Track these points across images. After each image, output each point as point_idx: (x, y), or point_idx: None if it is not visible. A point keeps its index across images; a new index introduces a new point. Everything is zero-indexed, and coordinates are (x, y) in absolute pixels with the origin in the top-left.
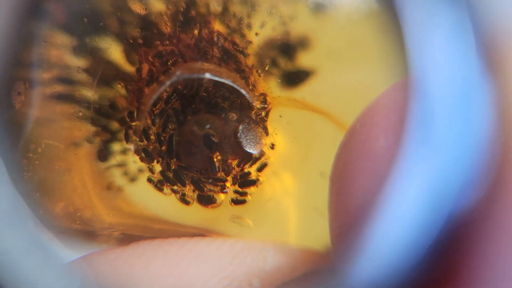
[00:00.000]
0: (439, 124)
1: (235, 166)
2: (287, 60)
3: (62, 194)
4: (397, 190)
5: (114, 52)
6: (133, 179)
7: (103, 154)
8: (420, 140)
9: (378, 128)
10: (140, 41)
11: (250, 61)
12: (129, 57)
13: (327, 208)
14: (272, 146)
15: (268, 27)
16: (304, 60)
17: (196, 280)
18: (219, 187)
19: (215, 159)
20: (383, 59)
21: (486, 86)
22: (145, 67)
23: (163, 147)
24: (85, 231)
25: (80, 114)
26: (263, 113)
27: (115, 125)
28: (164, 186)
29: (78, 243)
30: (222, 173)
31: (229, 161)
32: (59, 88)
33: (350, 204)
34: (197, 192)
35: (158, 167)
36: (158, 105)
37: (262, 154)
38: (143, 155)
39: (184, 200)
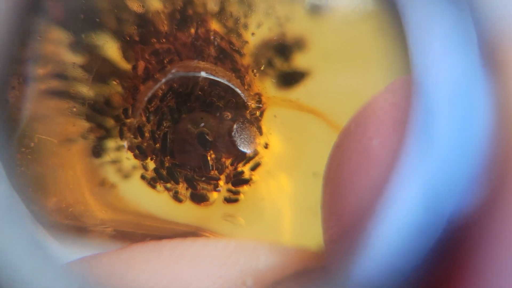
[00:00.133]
0: (439, 123)
1: (229, 165)
2: (283, 61)
3: (55, 189)
4: (397, 189)
5: (110, 48)
6: (126, 176)
7: (97, 151)
8: (420, 139)
9: (372, 129)
10: (137, 38)
11: (246, 60)
12: (126, 54)
13: (320, 208)
14: (266, 146)
15: (264, 28)
16: (299, 61)
17: (191, 281)
18: (212, 186)
19: (209, 158)
20: (379, 61)
21: (487, 85)
22: (141, 65)
23: (157, 145)
24: (77, 227)
25: (75, 110)
26: (258, 113)
27: (109, 121)
28: (158, 184)
29: (71, 239)
30: (216, 172)
31: (223, 159)
32: (54, 84)
33: (343, 204)
34: (190, 190)
35: (151, 165)
36: (153, 102)
37: (255, 153)
38: (137, 152)
39: (177, 197)
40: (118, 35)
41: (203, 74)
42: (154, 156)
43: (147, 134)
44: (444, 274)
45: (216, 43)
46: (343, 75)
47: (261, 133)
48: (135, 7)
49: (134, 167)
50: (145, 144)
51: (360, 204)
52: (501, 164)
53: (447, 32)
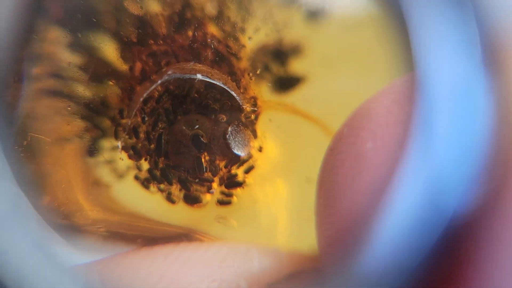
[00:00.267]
0: (440, 122)
1: (223, 167)
2: (279, 66)
3: (47, 188)
4: (398, 188)
5: (108, 49)
6: (120, 176)
7: (91, 150)
8: (421, 138)
9: (365, 132)
10: (135, 39)
11: (243, 64)
12: (123, 55)
13: (314, 211)
14: (260, 149)
15: (261, 33)
16: (296, 66)
17: (186, 285)
18: (205, 187)
19: (203, 160)
20: (375, 67)
21: (488, 85)
22: (138, 66)
23: (152, 146)
24: (69, 226)
25: (70, 109)
26: (253, 116)
27: (105, 121)
28: (151, 184)
29: (64, 238)
30: (209, 174)
31: (217, 162)
32: (50, 83)
33: (338, 207)
34: (183, 191)
35: (145, 165)
36: (149, 103)
37: (249, 156)
38: (132, 152)
39: (170, 199)
40: (116, 36)
41: (199, 76)
42: (148, 156)
43: (142, 135)
44: (445, 273)
45: (213, 46)
46: (338, 81)
47: (255, 136)
48: (134, 8)
49: (128, 168)
50: (139, 144)
51: (355, 207)
52: (502, 163)
53: (449, 32)
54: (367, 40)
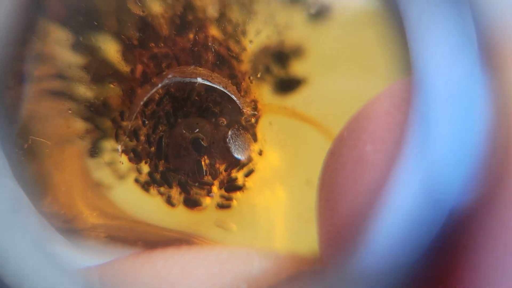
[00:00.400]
0: (438, 120)
1: (223, 171)
2: (280, 68)
3: (48, 192)
4: (396, 186)
5: (110, 51)
6: (121, 178)
7: (91, 153)
8: (419, 137)
9: (366, 134)
10: (136, 42)
11: (244, 67)
12: (124, 57)
13: (315, 214)
14: (260, 153)
15: (262, 35)
16: (296, 68)
17: None
18: (205, 191)
19: (203, 163)
20: (376, 69)
21: (486, 84)
22: (139, 68)
23: (152, 148)
24: (70, 230)
25: (71, 110)
26: (253, 120)
27: (106, 122)
28: (151, 187)
29: (64, 241)
30: (209, 177)
31: (217, 165)
32: (51, 84)
33: (339, 209)
34: (183, 194)
35: (145, 168)
36: (150, 106)
37: (250, 160)
38: (132, 155)
39: (170, 202)
40: (118, 37)
41: (199, 80)
42: (148, 159)
43: (142, 138)
44: (442, 270)
45: (214, 49)
46: (339, 83)
47: (255, 140)
48: (136, 10)
49: (128, 171)
50: (140, 147)
51: (356, 209)
52: (499, 162)
53: (446, 32)
54: (368, 41)
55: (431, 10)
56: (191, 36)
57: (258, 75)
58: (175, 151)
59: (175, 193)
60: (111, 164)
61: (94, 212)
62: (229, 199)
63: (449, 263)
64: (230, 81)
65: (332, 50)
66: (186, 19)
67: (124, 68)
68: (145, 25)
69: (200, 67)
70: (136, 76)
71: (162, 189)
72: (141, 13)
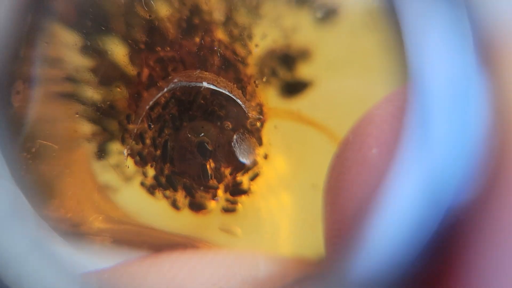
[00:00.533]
0: (436, 122)
1: (228, 175)
2: (286, 71)
3: (54, 195)
4: (394, 192)
5: (117, 54)
6: (127, 180)
7: (98, 156)
8: (417, 138)
9: (371, 138)
10: (143, 45)
11: (249, 70)
12: (132, 60)
13: (321, 217)
14: (266, 157)
15: (269, 39)
16: (302, 71)
17: None
18: (210, 194)
19: (208, 167)
20: (381, 73)
21: (483, 83)
22: (146, 72)
23: (158, 152)
24: (75, 234)
25: (78, 114)
26: (258, 124)
27: (113, 124)
28: (156, 191)
29: (69, 245)
30: (215, 181)
31: (222, 169)
32: (59, 87)
33: (344, 213)
34: (188, 198)
35: (151, 172)
36: (156, 109)
37: (255, 164)
38: (138, 158)
39: (175, 205)
40: (126, 41)
41: (204, 84)
42: (154, 163)
43: (148, 141)
44: (440, 268)
45: (219, 52)
46: (345, 86)
47: (260, 143)
48: (143, 14)
49: (134, 174)
50: (145, 150)
51: (362, 213)
52: (496, 161)
53: (443, 31)
54: (375, 45)
55: (428, 12)
56: (197, 39)
57: (264, 79)
58: (181, 154)
59: (180, 196)
60: (117, 166)
61: (100, 216)
62: (234, 202)
63: (447, 263)
64: (235, 85)
65: (338, 53)
66: (192, 22)
67: (131, 71)
68: (152, 28)
69: (206, 71)
70: (143, 80)
71: (167, 192)
72: (148, 17)
